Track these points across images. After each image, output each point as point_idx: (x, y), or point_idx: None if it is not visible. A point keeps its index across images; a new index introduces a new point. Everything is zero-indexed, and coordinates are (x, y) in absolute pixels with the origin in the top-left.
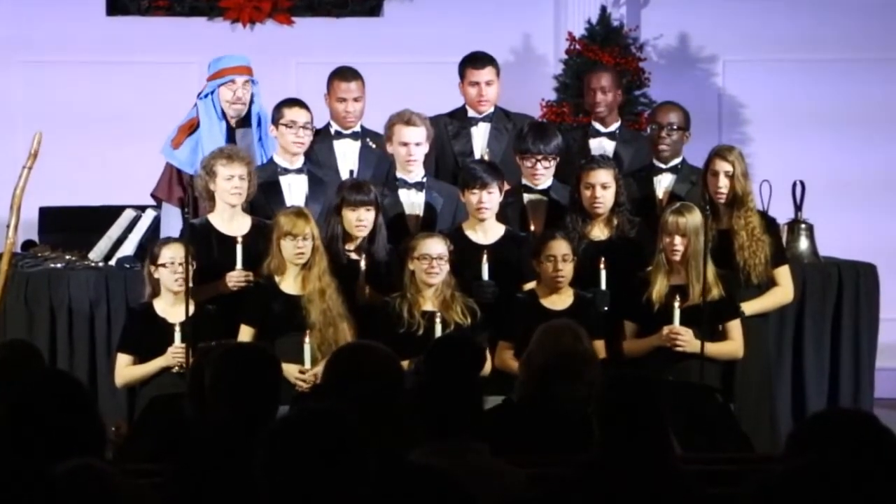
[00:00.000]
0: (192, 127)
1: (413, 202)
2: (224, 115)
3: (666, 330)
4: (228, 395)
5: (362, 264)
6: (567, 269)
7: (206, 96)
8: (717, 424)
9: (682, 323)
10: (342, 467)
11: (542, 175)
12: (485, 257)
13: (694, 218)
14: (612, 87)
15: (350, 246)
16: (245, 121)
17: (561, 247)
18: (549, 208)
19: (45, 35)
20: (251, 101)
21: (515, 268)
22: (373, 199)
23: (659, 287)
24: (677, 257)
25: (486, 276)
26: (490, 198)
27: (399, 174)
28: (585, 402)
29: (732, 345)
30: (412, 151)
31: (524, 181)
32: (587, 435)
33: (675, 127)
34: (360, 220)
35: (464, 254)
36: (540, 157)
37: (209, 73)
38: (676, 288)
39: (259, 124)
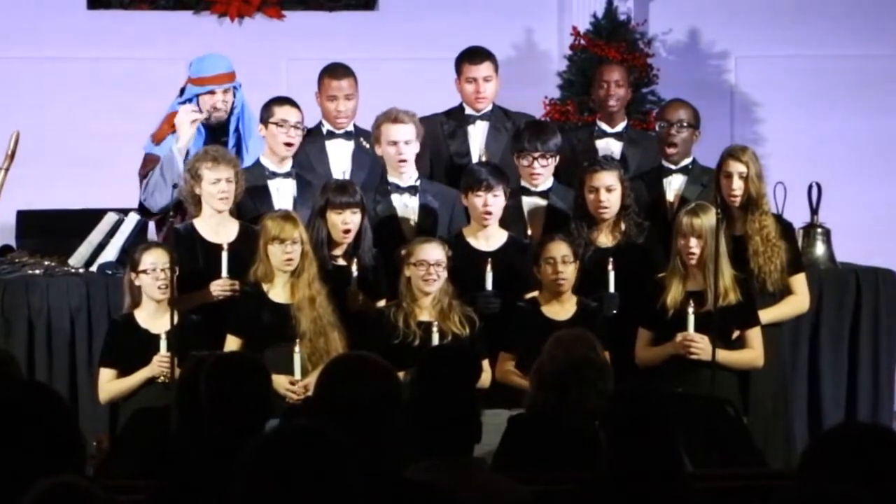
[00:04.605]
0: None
1: (407, 206)
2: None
3: (680, 337)
4: (215, 407)
5: (354, 270)
6: (568, 272)
7: (184, 102)
8: (730, 439)
9: (698, 329)
10: (327, 492)
11: (541, 175)
12: (488, 267)
13: (710, 218)
14: (625, 81)
15: (337, 251)
16: (225, 125)
17: (560, 248)
18: (549, 213)
19: (23, 30)
20: (233, 106)
21: (519, 276)
22: (358, 200)
23: (674, 292)
24: (693, 261)
25: (489, 286)
26: (495, 201)
27: (391, 178)
28: (598, 414)
29: (751, 353)
30: (402, 150)
31: (523, 183)
32: (598, 449)
33: (684, 124)
34: (346, 224)
35: (464, 261)
36: (537, 154)
37: (190, 74)
38: (693, 293)
39: (236, 130)
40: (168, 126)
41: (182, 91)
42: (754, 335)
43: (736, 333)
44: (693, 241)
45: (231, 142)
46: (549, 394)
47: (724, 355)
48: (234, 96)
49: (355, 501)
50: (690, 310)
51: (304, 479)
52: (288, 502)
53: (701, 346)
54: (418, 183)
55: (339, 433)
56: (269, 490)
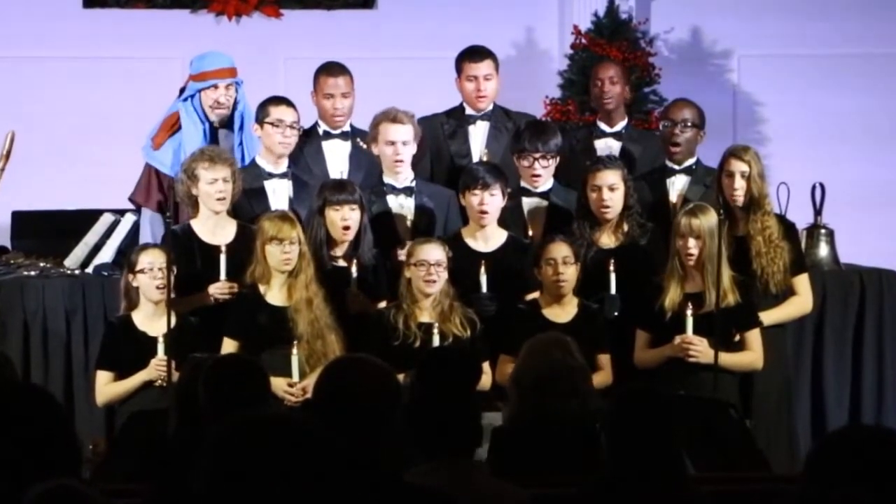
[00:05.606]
0: (173, 125)
1: (403, 207)
2: (206, 117)
3: (678, 339)
4: (214, 410)
5: (353, 271)
6: (569, 273)
7: (186, 99)
8: (732, 441)
9: (697, 332)
10: (306, 488)
11: (541, 176)
12: (482, 268)
13: (709, 219)
14: (620, 79)
15: (337, 251)
16: (229, 122)
17: (561, 249)
18: (549, 213)
19: (18, 29)
20: (235, 103)
21: (518, 277)
22: (357, 198)
23: (672, 294)
24: (692, 262)
25: (484, 287)
26: (492, 200)
27: (386, 178)
28: (580, 419)
29: (751, 355)
30: (399, 150)
31: (523, 184)
32: (585, 455)
33: (688, 124)
34: (345, 220)
35: (463, 262)
36: (538, 155)
37: (191, 71)
38: (691, 295)
39: (241, 128)
40: (166, 130)
41: (182, 90)
42: (754, 337)
43: (736, 337)
44: (691, 242)
45: (236, 140)
46: (529, 402)
47: (723, 358)
48: (237, 92)
49: (331, 493)
50: (689, 312)
51: (270, 471)
52: (256, 496)
53: (699, 348)
54: (413, 184)
55: (310, 420)
56: (234, 482)
